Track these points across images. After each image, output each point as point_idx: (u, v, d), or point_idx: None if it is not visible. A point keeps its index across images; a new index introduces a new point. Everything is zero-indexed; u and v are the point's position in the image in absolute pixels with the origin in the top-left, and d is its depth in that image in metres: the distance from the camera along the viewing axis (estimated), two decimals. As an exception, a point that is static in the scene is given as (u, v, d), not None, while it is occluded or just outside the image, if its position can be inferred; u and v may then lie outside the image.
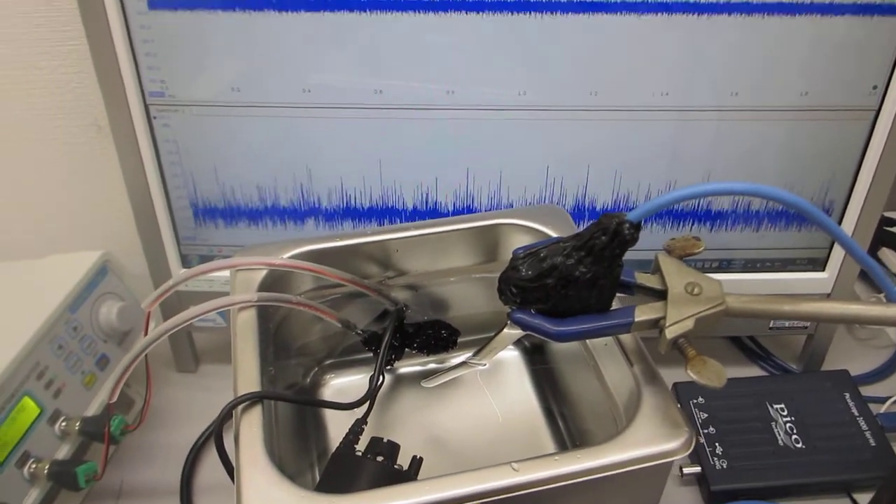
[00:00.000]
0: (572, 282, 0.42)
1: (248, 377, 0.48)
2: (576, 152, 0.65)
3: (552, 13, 0.59)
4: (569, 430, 0.63)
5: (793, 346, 0.80)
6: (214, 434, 0.46)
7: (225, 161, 0.66)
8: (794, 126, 0.64)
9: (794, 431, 0.66)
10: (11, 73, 0.78)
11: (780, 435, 0.66)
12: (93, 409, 0.62)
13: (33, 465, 0.56)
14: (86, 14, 0.58)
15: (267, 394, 0.47)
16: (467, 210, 0.69)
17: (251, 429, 0.45)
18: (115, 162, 0.65)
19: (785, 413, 0.68)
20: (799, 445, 0.65)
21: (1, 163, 0.83)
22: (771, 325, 0.73)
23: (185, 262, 0.71)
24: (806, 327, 0.74)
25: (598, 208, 0.68)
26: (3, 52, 0.76)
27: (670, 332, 0.42)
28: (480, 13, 0.59)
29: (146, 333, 0.59)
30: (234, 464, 0.44)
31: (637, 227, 0.41)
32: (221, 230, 0.70)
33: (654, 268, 0.47)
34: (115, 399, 0.55)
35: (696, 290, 0.44)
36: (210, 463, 0.68)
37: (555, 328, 0.44)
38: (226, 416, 0.46)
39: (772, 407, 0.68)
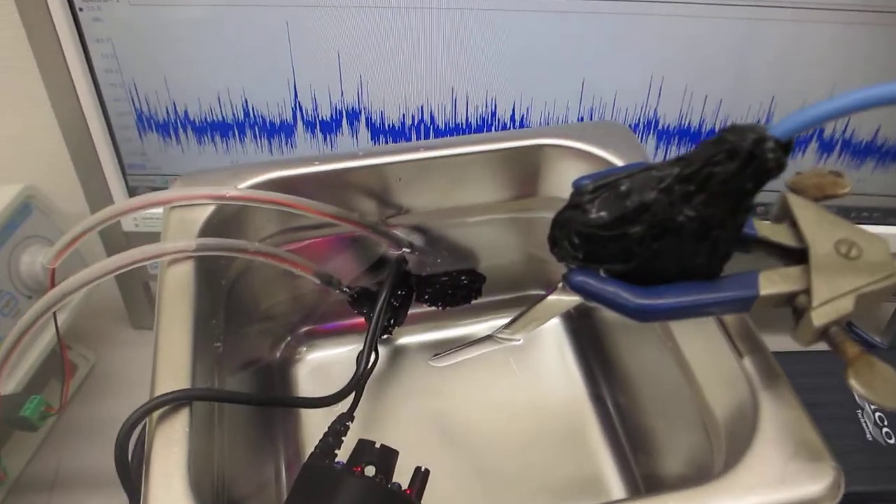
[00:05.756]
0: (671, 231, 0.32)
1: (173, 366, 0.36)
2: (640, 56, 0.56)
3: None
4: (626, 427, 0.53)
5: (876, 317, 0.71)
6: (116, 454, 0.34)
7: (177, 63, 0.58)
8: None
9: (885, 423, 0.58)
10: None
11: (868, 427, 0.58)
12: (9, 388, 0.55)
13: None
14: None
15: (196, 392, 0.35)
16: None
17: (170, 448, 0.33)
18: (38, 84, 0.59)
19: (873, 399, 0.59)
20: (891, 441, 0.57)
21: None
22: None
23: (134, 195, 0.64)
24: (903, 292, 0.64)
25: (662, 127, 0.59)
26: None
27: (819, 317, 0.31)
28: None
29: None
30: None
31: (786, 147, 0.29)
32: (176, 154, 0.62)
33: (777, 213, 0.36)
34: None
35: (852, 252, 0.33)
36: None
37: (636, 301, 0.33)
38: (129, 429, 0.34)
39: (858, 391, 0.60)
